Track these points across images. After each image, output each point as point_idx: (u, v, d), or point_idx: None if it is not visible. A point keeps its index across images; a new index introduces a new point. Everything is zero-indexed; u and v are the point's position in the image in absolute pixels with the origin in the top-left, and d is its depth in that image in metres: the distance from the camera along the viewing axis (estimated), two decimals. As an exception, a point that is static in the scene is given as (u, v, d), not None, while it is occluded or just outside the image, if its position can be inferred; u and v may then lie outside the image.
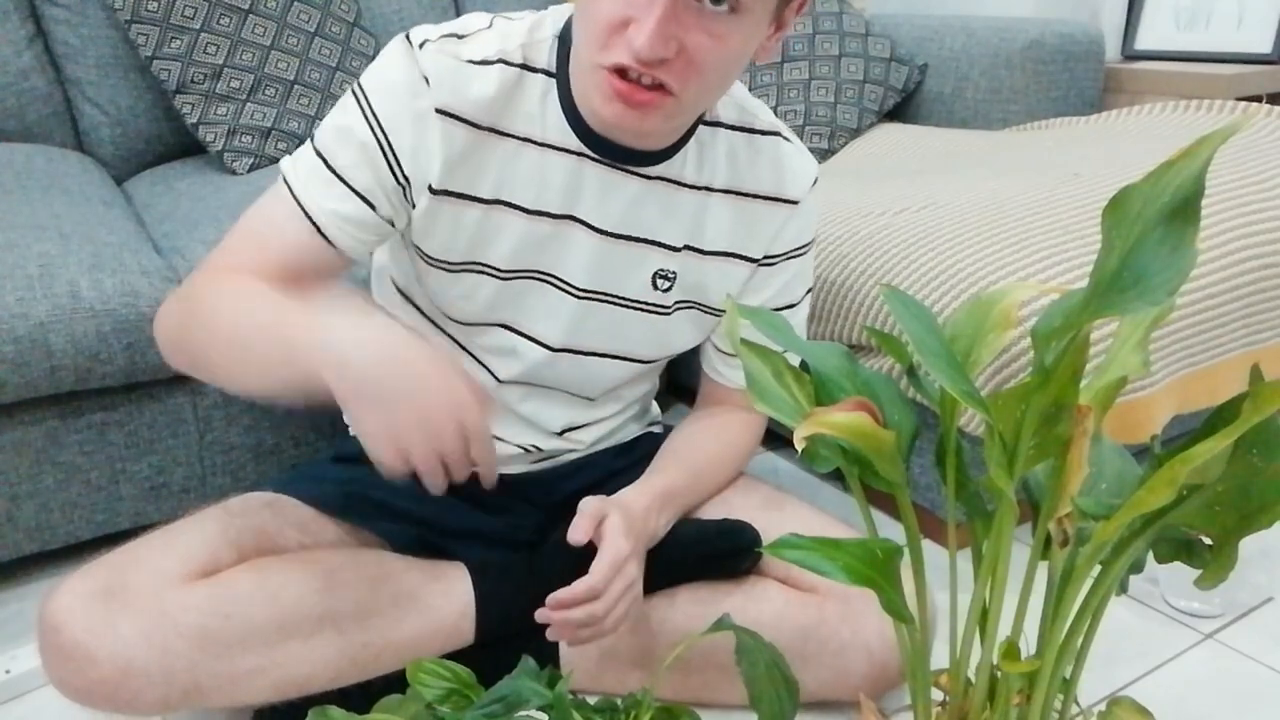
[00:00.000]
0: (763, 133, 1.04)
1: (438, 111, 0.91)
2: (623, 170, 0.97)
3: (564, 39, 0.94)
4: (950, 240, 1.26)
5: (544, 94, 0.94)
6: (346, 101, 0.94)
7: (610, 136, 0.94)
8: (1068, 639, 0.74)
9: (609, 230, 0.99)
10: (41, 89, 1.70)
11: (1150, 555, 0.79)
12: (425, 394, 0.78)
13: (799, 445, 0.71)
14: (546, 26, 0.95)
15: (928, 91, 2.06)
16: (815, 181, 1.07)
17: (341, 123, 0.93)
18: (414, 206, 0.95)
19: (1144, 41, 2.31)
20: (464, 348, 1.07)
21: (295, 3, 1.73)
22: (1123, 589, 0.79)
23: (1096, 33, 2.03)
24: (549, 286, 1.01)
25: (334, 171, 0.93)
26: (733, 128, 1.02)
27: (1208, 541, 0.75)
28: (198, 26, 1.65)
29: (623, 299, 1.03)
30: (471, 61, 0.92)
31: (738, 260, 1.06)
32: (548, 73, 0.94)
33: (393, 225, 0.96)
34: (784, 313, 1.09)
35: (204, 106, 1.65)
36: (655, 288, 1.03)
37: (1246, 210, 1.34)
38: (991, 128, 1.97)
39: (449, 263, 0.98)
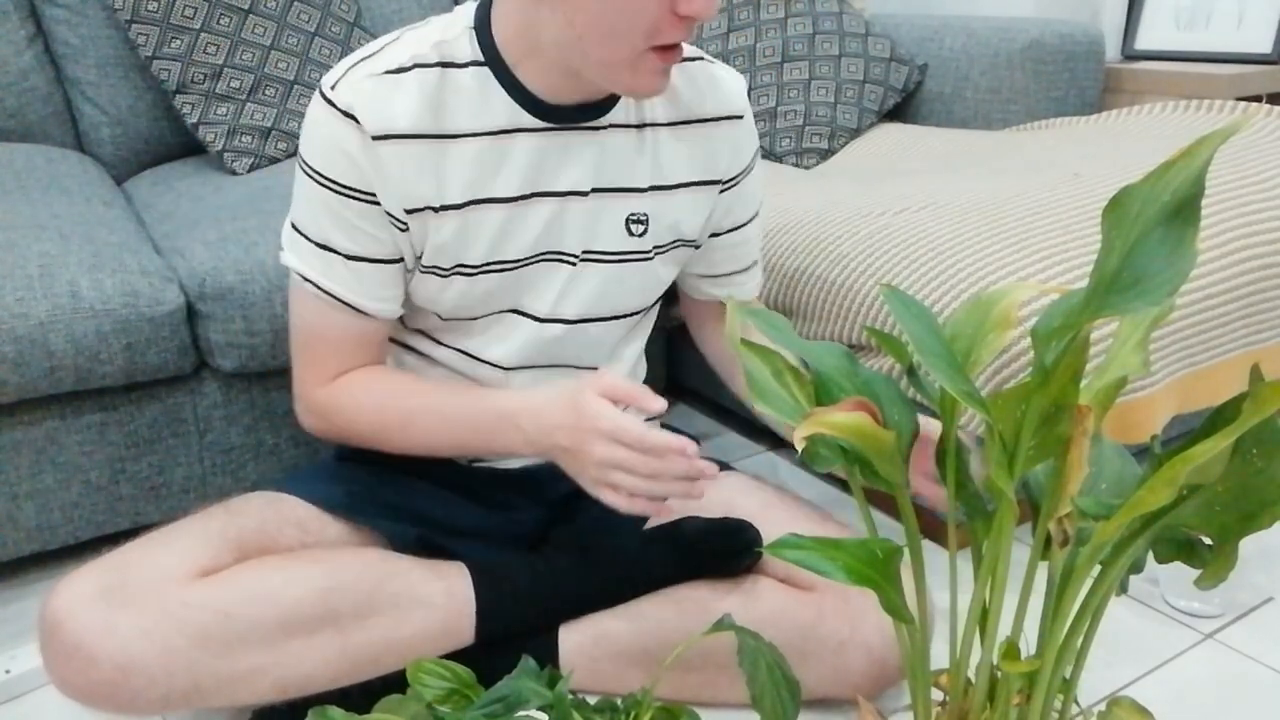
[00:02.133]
0: (689, 59, 1.05)
1: (375, 139, 0.92)
2: (576, 130, 0.99)
3: (479, 28, 0.95)
4: (950, 240, 1.26)
5: (481, 83, 0.95)
6: (302, 181, 0.97)
7: (557, 101, 0.96)
8: (1068, 639, 0.74)
9: (582, 190, 1.00)
10: (41, 89, 1.70)
11: (1150, 555, 0.80)
12: (577, 420, 0.89)
13: (799, 445, 0.71)
14: (458, 22, 0.97)
15: (928, 91, 2.05)
16: (746, 90, 1.11)
17: (316, 207, 0.96)
18: (406, 228, 0.97)
19: (1144, 41, 2.31)
20: (468, 352, 1.07)
21: (295, 3, 1.73)
22: (1123, 589, 0.79)
23: (1096, 33, 2.03)
24: (550, 263, 1.02)
25: (347, 257, 0.97)
26: None
27: (1208, 541, 0.75)
28: (198, 26, 1.64)
29: (608, 254, 1.04)
30: (388, 72, 0.93)
31: (703, 187, 1.07)
32: (477, 62, 0.95)
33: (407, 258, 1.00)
34: (749, 226, 1.14)
35: (204, 106, 1.65)
36: (630, 233, 1.04)
37: (1246, 210, 1.34)
38: (991, 128, 1.97)
39: (439, 268, 0.99)
